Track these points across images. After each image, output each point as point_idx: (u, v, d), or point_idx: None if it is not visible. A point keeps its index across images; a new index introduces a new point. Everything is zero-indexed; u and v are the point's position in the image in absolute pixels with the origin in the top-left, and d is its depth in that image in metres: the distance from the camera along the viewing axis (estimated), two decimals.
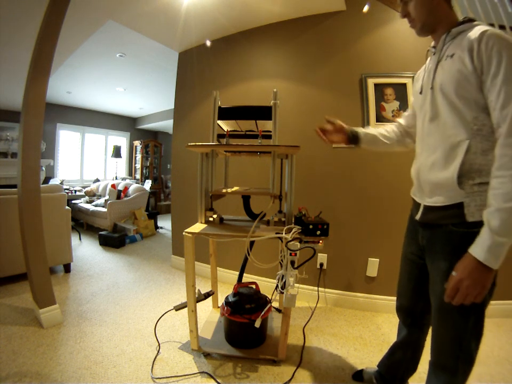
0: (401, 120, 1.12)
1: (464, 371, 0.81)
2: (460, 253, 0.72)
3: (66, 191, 4.07)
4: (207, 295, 1.53)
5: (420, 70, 1.00)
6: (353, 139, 1.13)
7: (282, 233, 1.18)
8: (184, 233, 1.30)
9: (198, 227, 1.38)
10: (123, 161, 6.62)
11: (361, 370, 1.32)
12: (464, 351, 0.79)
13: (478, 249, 0.66)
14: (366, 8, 1.88)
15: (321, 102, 2.05)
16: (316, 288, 2.02)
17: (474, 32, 0.74)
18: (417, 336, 1.08)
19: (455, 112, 0.76)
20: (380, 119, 1.89)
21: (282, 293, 1.17)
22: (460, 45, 0.76)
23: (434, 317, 0.86)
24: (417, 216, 0.90)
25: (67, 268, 2.53)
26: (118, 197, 4.11)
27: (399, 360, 1.13)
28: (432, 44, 0.89)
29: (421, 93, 0.91)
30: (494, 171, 0.67)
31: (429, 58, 0.93)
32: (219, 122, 1.49)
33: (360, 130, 1.14)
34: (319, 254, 2.04)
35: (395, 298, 1.12)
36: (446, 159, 0.78)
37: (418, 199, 0.91)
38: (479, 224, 0.69)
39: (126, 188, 4.37)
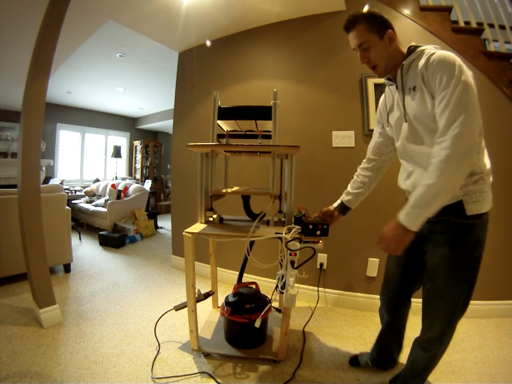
0: (372, 156, 1.22)
1: (446, 343, 0.98)
2: (458, 239, 0.88)
3: (66, 191, 4.07)
4: (207, 295, 1.53)
5: (382, 102, 1.11)
6: (344, 210, 1.28)
7: (282, 233, 1.18)
8: (184, 233, 1.30)
9: (198, 227, 1.38)
10: (123, 161, 6.62)
11: (357, 356, 1.41)
12: (451, 327, 0.95)
13: (401, 214, 0.84)
14: (366, 8, 1.87)
15: (321, 102, 2.05)
16: (316, 288, 2.02)
17: (422, 60, 0.86)
18: (399, 321, 1.21)
19: (435, 134, 0.85)
20: None
21: (282, 293, 1.17)
22: (416, 76, 0.88)
23: (430, 298, 0.97)
24: None
25: (67, 268, 2.53)
26: (118, 197, 4.11)
27: (387, 344, 1.29)
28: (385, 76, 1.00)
29: (389, 124, 1.04)
30: (429, 168, 0.81)
31: (387, 90, 1.05)
32: (219, 122, 1.49)
33: (343, 199, 1.27)
34: (319, 254, 2.04)
35: None
36: None
37: None
38: (476, 216, 0.86)
39: (126, 188, 4.37)
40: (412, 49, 0.92)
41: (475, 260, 0.90)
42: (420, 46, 0.91)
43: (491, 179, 0.90)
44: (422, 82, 0.85)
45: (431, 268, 0.96)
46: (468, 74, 0.79)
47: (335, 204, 1.30)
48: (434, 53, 0.83)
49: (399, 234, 0.83)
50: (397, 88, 0.97)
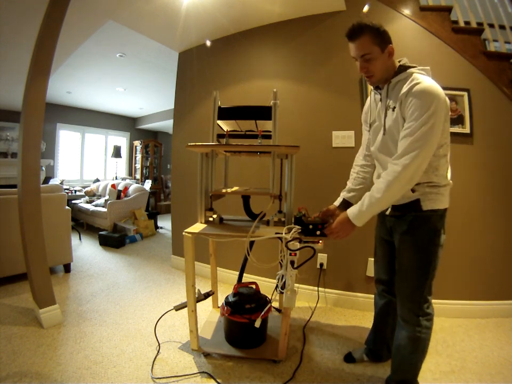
0: (368, 152, 1.28)
1: (425, 325, 1.05)
2: (418, 228, 1.04)
3: (66, 191, 4.07)
4: (207, 295, 1.53)
5: (367, 105, 1.21)
6: (347, 207, 1.29)
7: (282, 233, 1.19)
8: (184, 233, 1.30)
9: (198, 227, 1.38)
10: (123, 161, 6.62)
11: (351, 352, 1.43)
12: (422, 309, 1.05)
13: (350, 211, 1.04)
14: (366, 8, 1.88)
15: (321, 102, 2.05)
16: (316, 288, 2.02)
17: (405, 86, 0.95)
18: (393, 300, 1.24)
19: None
20: None
21: (282, 293, 1.17)
22: (397, 99, 0.98)
23: (400, 280, 1.10)
24: (388, 212, 1.13)
25: (67, 268, 2.53)
26: (118, 197, 4.11)
27: (383, 329, 1.32)
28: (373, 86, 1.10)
29: (371, 128, 1.16)
30: (381, 176, 0.99)
31: (373, 97, 1.15)
32: (219, 122, 1.49)
33: (345, 196, 1.30)
34: (319, 254, 2.04)
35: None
36: None
37: None
38: (431, 211, 1.01)
39: (126, 188, 4.37)
40: (401, 69, 1.00)
41: (435, 245, 1.03)
42: (409, 67, 0.99)
43: (449, 187, 1.06)
44: (399, 107, 0.97)
45: (399, 255, 1.11)
46: (440, 113, 0.89)
47: (337, 203, 1.31)
48: (418, 83, 0.92)
49: (348, 228, 1.06)
50: (381, 100, 1.07)
